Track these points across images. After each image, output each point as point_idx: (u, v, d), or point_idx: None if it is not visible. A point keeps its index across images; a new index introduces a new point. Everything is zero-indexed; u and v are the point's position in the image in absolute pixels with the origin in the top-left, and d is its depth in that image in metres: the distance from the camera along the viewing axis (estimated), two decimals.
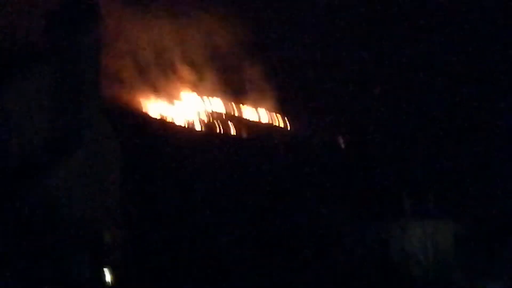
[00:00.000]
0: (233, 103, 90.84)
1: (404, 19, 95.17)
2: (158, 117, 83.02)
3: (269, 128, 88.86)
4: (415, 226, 53.43)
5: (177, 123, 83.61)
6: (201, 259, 35.21)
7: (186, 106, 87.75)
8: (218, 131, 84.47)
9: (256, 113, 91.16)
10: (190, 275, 34.60)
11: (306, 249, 37.54)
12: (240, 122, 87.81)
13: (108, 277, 37.35)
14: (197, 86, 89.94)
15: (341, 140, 51.22)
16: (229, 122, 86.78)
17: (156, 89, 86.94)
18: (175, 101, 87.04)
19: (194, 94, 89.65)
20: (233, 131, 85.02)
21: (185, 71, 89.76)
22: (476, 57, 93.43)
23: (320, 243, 39.27)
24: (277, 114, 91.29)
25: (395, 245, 42.70)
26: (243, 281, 35.03)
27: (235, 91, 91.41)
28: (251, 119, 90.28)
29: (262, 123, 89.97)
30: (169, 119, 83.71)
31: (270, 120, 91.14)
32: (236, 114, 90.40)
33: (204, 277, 34.71)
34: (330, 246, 39.96)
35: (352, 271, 38.36)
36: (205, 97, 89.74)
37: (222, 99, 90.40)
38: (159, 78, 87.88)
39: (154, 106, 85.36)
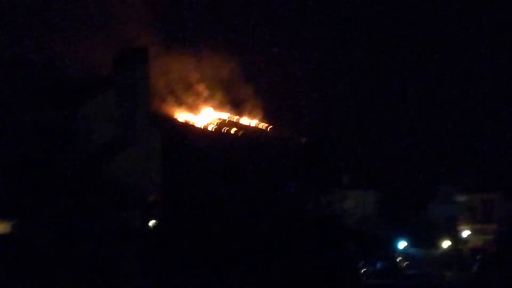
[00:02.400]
0: (233, 112, 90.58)
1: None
2: (184, 123, 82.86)
3: (257, 130, 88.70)
4: (350, 194, 53.36)
5: (197, 126, 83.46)
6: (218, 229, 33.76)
7: (202, 115, 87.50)
8: (223, 131, 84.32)
9: (249, 120, 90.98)
10: (214, 237, 33.57)
11: (282, 213, 36.74)
12: (237, 125, 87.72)
13: (151, 224, 36.82)
14: (210, 101, 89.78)
15: (303, 140, 50.74)
16: (230, 125, 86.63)
17: (183, 104, 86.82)
18: (196, 112, 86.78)
19: (208, 107, 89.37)
20: (233, 131, 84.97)
21: (202, 92, 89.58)
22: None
23: (290, 207, 38.67)
24: (263, 121, 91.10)
25: (337, 206, 42.17)
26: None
27: (235, 104, 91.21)
28: (244, 124, 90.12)
29: (252, 127, 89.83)
30: (191, 124, 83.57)
31: (257, 124, 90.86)
32: (235, 120, 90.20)
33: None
34: (296, 208, 39.16)
35: (309, 224, 37.72)
36: (215, 109, 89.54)
37: (226, 110, 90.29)
38: (186, 97, 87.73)
39: (182, 115, 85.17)
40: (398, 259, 59.52)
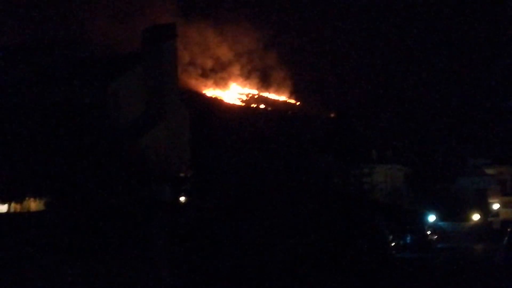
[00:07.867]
0: (261, 88, 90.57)
1: None
2: (213, 98, 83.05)
3: (285, 104, 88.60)
4: (379, 169, 53.45)
5: (226, 101, 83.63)
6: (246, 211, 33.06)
7: (231, 91, 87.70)
8: (252, 106, 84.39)
9: (277, 95, 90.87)
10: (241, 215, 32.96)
11: (311, 188, 36.65)
12: (266, 101, 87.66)
13: (182, 199, 36.73)
14: (238, 76, 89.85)
15: (332, 114, 50.59)
16: (259, 101, 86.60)
17: (211, 79, 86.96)
18: (224, 88, 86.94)
19: (236, 83, 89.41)
20: (262, 106, 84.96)
21: (230, 66, 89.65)
22: None
23: (319, 181, 38.60)
24: (291, 94, 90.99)
25: (366, 179, 42.37)
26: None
27: (262, 78, 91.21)
28: (273, 98, 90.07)
29: (280, 101, 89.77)
30: (220, 98, 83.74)
31: (286, 98, 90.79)
32: (263, 94, 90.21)
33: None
34: (325, 183, 39.09)
35: (338, 198, 37.42)
36: (243, 85, 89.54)
37: (254, 86, 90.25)
38: (213, 72, 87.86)
39: (210, 90, 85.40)
40: (428, 232, 59.23)
